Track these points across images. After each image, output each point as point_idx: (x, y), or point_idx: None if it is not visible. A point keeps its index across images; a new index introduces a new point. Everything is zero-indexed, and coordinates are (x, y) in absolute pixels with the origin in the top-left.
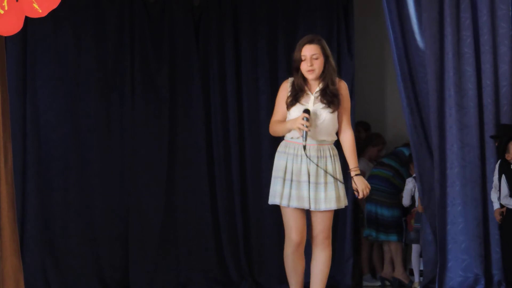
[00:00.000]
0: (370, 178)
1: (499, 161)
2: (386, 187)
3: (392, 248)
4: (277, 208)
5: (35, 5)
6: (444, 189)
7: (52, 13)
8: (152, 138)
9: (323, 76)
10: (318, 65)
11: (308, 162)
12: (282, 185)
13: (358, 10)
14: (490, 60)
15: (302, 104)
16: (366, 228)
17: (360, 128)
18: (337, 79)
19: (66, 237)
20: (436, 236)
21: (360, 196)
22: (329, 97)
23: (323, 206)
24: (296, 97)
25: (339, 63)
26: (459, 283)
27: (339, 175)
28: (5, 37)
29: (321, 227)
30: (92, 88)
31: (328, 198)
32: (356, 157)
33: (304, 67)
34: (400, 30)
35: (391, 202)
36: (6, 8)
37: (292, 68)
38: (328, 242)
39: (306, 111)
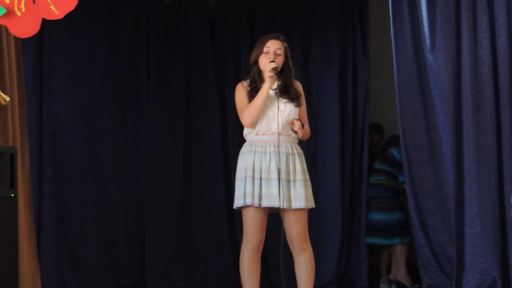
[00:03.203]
0: (367, 187)
1: None
2: (382, 192)
3: (397, 250)
4: None
5: (52, 7)
6: (461, 191)
7: (69, 15)
8: (167, 140)
9: (283, 76)
10: (279, 61)
11: (277, 159)
12: (252, 184)
13: (374, 12)
14: (507, 62)
15: None
16: (367, 236)
17: (373, 131)
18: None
19: (82, 238)
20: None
21: (294, 127)
22: (291, 94)
23: (296, 204)
24: (256, 90)
25: (354, 65)
26: (476, 286)
27: (306, 174)
28: (22, 39)
29: (296, 231)
30: (108, 90)
31: (298, 196)
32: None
33: (265, 60)
34: (412, 32)
35: (390, 206)
36: (23, 10)
37: (250, 64)
38: (305, 245)
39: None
